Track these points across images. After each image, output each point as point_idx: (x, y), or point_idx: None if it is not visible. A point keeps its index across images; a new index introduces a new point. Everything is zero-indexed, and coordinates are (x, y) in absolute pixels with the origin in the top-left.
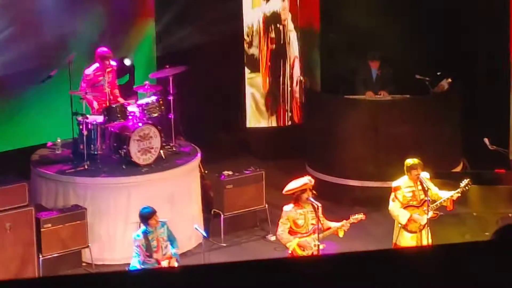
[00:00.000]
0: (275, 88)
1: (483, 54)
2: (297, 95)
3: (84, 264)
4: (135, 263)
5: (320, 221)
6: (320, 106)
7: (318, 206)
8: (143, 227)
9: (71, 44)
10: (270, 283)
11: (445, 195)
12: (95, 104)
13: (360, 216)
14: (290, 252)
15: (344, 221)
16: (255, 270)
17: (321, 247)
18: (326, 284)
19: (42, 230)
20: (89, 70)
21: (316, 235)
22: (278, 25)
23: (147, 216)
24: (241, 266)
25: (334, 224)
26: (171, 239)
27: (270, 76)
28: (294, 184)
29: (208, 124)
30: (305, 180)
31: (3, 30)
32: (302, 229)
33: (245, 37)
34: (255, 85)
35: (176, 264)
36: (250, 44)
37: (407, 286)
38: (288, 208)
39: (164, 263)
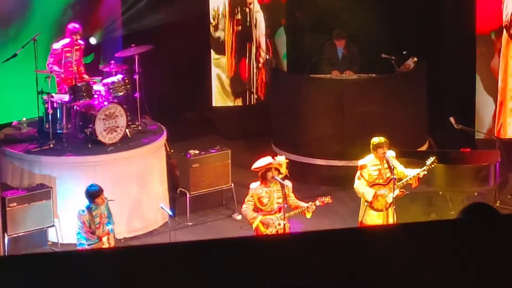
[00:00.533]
0: (241, 71)
1: (449, 33)
2: (263, 75)
3: (50, 243)
4: (81, 240)
5: (287, 200)
6: (286, 85)
7: (285, 185)
8: (87, 203)
9: (35, 21)
10: (235, 261)
11: (411, 173)
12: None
13: (326, 199)
14: (253, 228)
15: (311, 202)
16: (220, 248)
17: (286, 225)
18: (291, 263)
19: (7, 209)
20: (58, 45)
21: (281, 213)
22: (244, 8)
23: (94, 194)
24: (206, 244)
25: (302, 204)
26: (109, 215)
27: (236, 59)
28: (259, 163)
29: (174, 103)
30: (270, 159)
31: None
32: (266, 207)
33: (211, 20)
34: (220, 66)
35: (113, 240)
36: (216, 28)
37: (373, 264)
38: (254, 185)
39: (104, 239)
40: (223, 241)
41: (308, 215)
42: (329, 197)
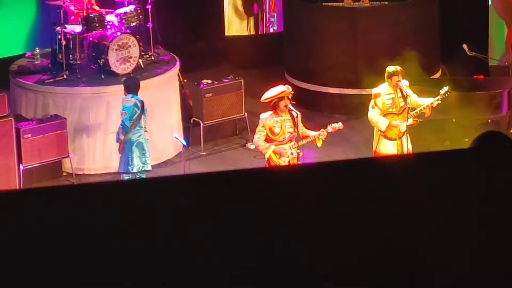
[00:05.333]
0: None
1: None
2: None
3: (64, 174)
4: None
5: (298, 129)
6: (299, 13)
7: (297, 114)
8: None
9: None
10: (247, 193)
11: (425, 102)
12: (73, 8)
13: (338, 125)
14: (266, 159)
15: (322, 129)
16: (234, 179)
17: (299, 154)
18: (305, 193)
19: (22, 140)
20: None
21: (293, 143)
22: None
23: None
24: (220, 175)
25: (312, 133)
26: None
27: None
28: (271, 92)
29: (187, 33)
30: (283, 88)
31: None
32: (278, 137)
33: None
34: None
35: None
36: None
37: (387, 194)
38: (264, 115)
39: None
40: (235, 172)
41: (319, 143)
42: (340, 123)
